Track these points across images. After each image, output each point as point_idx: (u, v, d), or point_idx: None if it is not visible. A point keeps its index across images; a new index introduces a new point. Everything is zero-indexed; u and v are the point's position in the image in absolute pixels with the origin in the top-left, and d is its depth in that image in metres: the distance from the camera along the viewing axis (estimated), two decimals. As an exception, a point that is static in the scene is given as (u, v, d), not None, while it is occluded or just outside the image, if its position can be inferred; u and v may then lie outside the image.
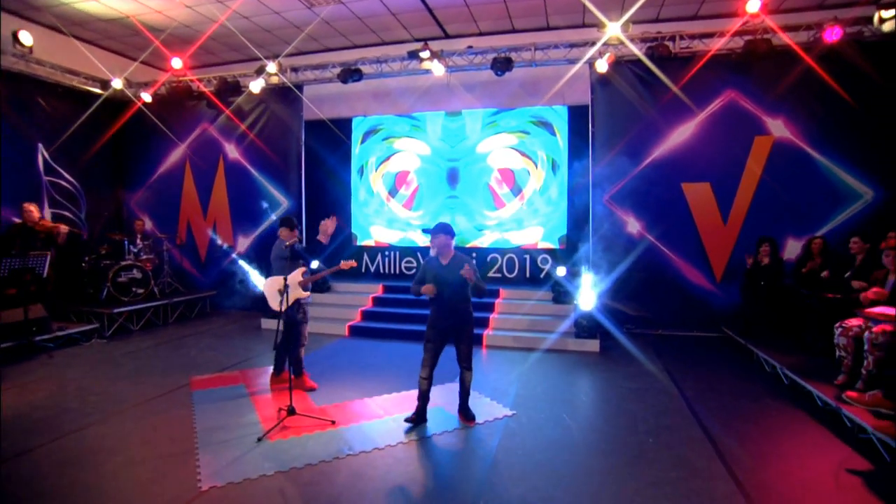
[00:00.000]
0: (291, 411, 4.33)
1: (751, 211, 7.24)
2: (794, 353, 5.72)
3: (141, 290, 8.02)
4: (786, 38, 6.63)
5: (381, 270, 9.67)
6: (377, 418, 4.53)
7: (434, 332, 4.34)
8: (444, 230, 4.30)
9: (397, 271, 9.63)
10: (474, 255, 9.26)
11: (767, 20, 6.68)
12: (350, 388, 5.32)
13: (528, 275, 9.01)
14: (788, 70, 6.84)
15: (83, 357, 6.37)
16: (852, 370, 4.55)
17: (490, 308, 7.92)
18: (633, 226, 7.70)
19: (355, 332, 7.77)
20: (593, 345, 6.77)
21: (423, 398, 4.40)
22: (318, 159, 9.49)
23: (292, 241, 5.17)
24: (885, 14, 6.27)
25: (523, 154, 9.06)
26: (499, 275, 9.16)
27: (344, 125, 9.72)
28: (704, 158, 7.39)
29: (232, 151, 9.41)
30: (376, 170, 9.74)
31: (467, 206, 9.31)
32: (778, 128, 7.09)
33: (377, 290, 8.69)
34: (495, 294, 8.23)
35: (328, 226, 5.13)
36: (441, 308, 4.30)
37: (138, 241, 8.48)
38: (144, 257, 8.34)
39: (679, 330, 7.60)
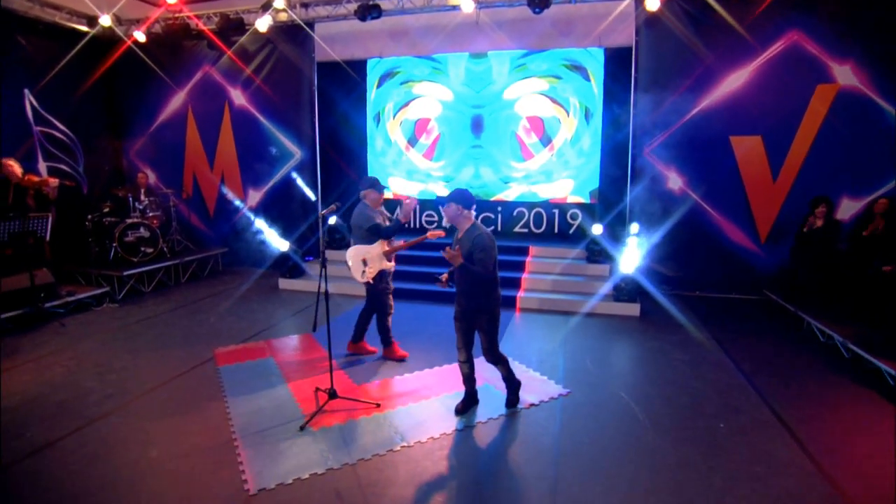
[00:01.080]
0: (333, 395, 4.01)
1: (804, 168, 6.71)
2: (851, 323, 5.39)
3: (150, 250, 7.57)
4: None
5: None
6: (424, 399, 4.23)
7: (457, 310, 3.91)
8: (454, 198, 3.73)
9: (418, 226, 9.18)
10: (499, 208, 8.81)
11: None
12: (386, 361, 5.02)
13: (556, 230, 8.58)
14: (866, 4, 6.09)
15: (96, 325, 6.01)
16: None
17: (520, 267, 7.54)
18: (675, 181, 7.18)
19: (379, 293, 7.39)
20: (633, 309, 6.45)
21: (469, 381, 4.06)
22: (331, 105, 8.76)
23: (382, 217, 4.84)
24: None
25: (554, 101, 8.36)
26: (525, 230, 8.73)
27: (358, 68, 8.91)
28: (757, 109, 6.75)
29: (238, 97, 8.64)
30: (394, 117, 9.03)
31: (492, 157, 8.71)
32: (845, 75, 6.41)
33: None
34: (524, 252, 7.82)
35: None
36: (457, 286, 3.85)
37: (142, 196, 7.92)
38: (151, 214, 7.82)
39: (718, 292, 7.27)
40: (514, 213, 8.77)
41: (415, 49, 8.55)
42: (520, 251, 7.85)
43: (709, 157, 6.99)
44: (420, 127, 8.93)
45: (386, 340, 5.04)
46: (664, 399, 4.27)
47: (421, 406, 4.12)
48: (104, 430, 3.69)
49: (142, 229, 7.51)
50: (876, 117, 6.38)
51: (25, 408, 4.02)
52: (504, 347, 4.21)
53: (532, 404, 4.15)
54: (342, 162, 9.03)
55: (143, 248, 7.49)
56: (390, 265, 4.81)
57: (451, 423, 3.84)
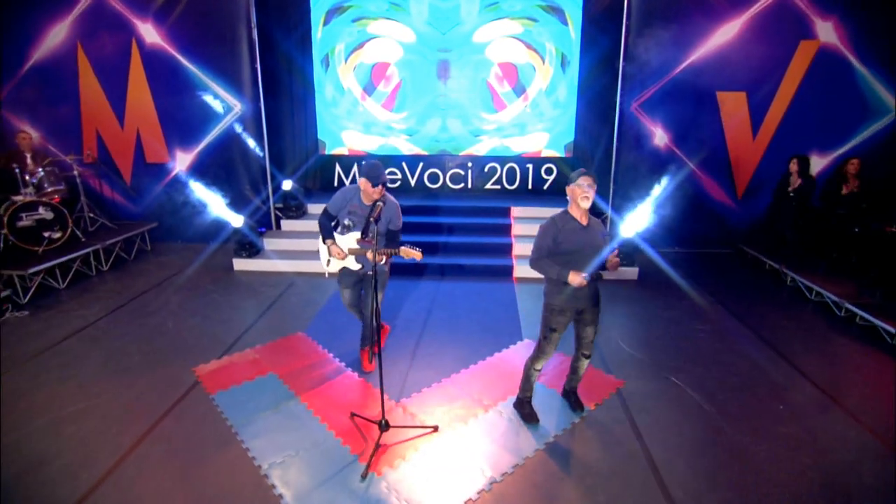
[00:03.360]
0: (385, 426, 3.37)
1: (782, 125, 6.84)
2: (839, 281, 5.68)
3: (57, 235, 5.94)
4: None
5: (358, 186, 8.20)
6: (480, 410, 3.75)
7: (563, 319, 3.34)
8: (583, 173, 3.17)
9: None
10: (470, 164, 8.17)
11: None
12: (405, 360, 4.42)
13: (530, 186, 8.17)
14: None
15: (10, 350, 4.57)
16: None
17: (505, 231, 7.08)
18: (661, 138, 7.01)
19: (356, 270, 6.56)
20: (632, 272, 6.36)
21: (533, 387, 3.67)
22: (270, 44, 7.24)
23: (360, 213, 3.82)
24: None
25: (529, 46, 7.65)
26: (498, 186, 8.23)
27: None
28: (744, 64, 6.67)
29: (149, 34, 6.79)
30: (346, 60, 7.76)
31: (461, 108, 7.91)
32: (826, 31, 6.46)
33: (365, 214, 7.35)
34: (506, 213, 7.34)
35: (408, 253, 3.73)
36: (589, 288, 3.28)
37: (29, 163, 6.11)
38: (50, 188, 6.08)
39: (694, 247, 7.44)
40: (486, 170, 8.18)
41: (370, -22, 7.25)
42: (500, 212, 7.37)
43: (696, 113, 6.87)
44: (378, 73, 7.78)
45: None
46: (714, 381, 4.19)
47: (481, 423, 3.64)
48: (101, 520, 2.77)
49: (41, 209, 5.81)
50: (848, 75, 6.59)
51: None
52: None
53: (596, 403, 3.86)
54: (288, 114, 7.68)
55: (47, 234, 5.85)
56: (355, 267, 3.92)
57: (525, 441, 3.43)
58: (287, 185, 7.11)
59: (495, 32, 7.58)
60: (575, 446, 3.41)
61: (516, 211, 7.37)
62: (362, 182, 3.66)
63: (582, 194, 3.14)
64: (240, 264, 6.55)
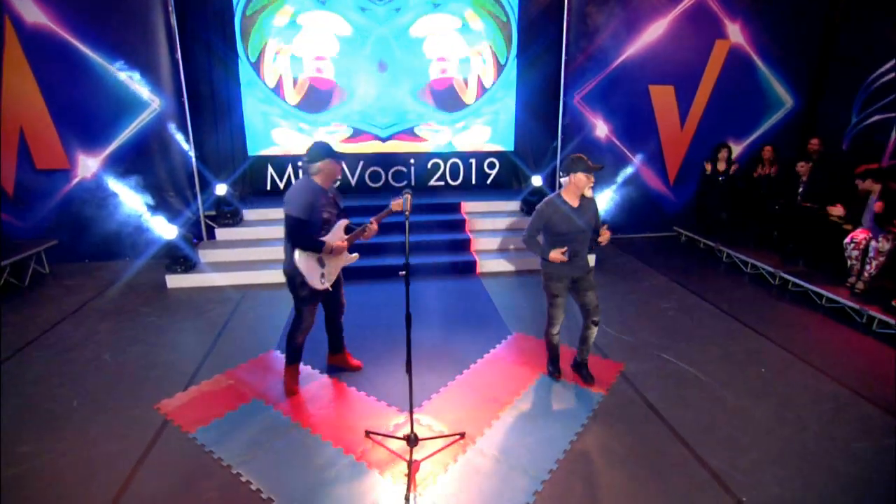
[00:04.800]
0: (414, 440, 3.07)
1: (704, 116, 7.49)
2: (763, 253, 6.34)
3: (-75, 261, 4.71)
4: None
5: (294, 188, 7.57)
6: (499, 410, 3.57)
7: (560, 284, 3.63)
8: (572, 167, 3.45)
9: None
10: (412, 161, 7.92)
11: None
12: (400, 367, 4.10)
13: (474, 181, 8.12)
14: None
15: None
16: (860, 274, 5.23)
17: (460, 227, 6.94)
18: (602, 129, 7.32)
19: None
20: (591, 259, 6.55)
21: (558, 350, 3.98)
22: (190, 31, 6.36)
23: (329, 204, 3.56)
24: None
25: (469, 39, 7.57)
26: (441, 183, 8.08)
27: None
28: (672, 60, 7.17)
29: (29, 10, 5.60)
30: (276, 50, 7.09)
31: (401, 103, 7.62)
32: (735, 32, 7.18)
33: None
34: (456, 209, 7.21)
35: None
36: (576, 255, 3.58)
37: None
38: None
39: (634, 232, 7.87)
40: (429, 166, 7.98)
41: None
42: (451, 208, 7.24)
43: (631, 106, 7.27)
44: (311, 67, 7.23)
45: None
46: (697, 353, 4.41)
47: (504, 422, 3.46)
48: None
49: None
50: (752, 72, 7.39)
51: None
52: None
53: (607, 387, 3.87)
54: (211, 111, 6.83)
55: (-89, 261, 4.61)
56: (353, 257, 3.84)
57: (557, 432, 3.31)
58: (221, 189, 6.33)
59: (435, 26, 7.40)
60: (604, 430, 3.38)
61: (467, 206, 7.27)
62: (328, 164, 3.40)
63: (587, 183, 3.44)
64: (174, 281, 5.69)
